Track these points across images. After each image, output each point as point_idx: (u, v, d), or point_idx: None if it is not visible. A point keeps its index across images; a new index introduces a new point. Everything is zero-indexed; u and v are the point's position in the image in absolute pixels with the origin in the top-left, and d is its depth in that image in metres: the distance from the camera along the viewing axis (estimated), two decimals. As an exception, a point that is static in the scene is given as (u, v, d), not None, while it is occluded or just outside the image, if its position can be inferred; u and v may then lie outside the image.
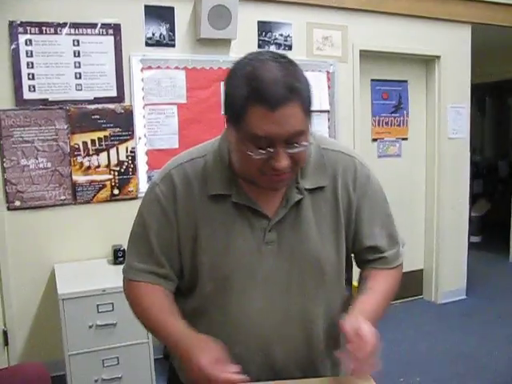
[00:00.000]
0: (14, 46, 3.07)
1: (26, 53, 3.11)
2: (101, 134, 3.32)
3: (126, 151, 3.39)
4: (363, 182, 1.29)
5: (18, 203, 3.17)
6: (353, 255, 1.38)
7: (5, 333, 3.25)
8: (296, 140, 1.09)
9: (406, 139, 4.44)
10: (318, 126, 3.86)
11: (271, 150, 1.08)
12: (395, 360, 3.52)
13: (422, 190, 4.57)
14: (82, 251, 3.36)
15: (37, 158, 3.18)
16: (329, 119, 3.95)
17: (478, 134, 7.11)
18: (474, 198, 6.10)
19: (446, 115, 4.40)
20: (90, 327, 2.83)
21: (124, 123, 3.37)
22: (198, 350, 1.14)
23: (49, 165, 3.21)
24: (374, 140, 4.30)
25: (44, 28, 3.13)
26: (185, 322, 1.23)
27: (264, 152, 1.08)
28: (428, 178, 4.54)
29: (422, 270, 4.63)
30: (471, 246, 4.93)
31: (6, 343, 3.27)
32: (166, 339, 1.25)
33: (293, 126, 1.06)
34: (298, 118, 1.06)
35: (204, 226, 1.22)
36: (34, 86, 3.14)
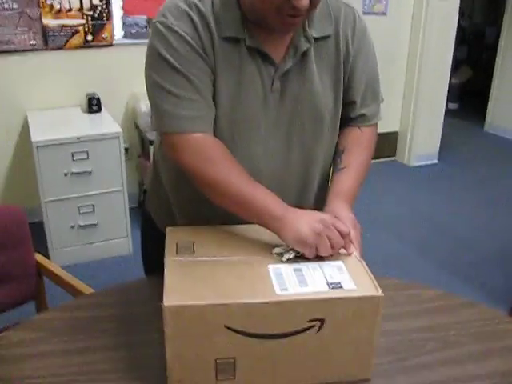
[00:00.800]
0: None
1: None
2: (71, -26, 3.11)
3: (99, -6, 3.20)
4: (360, 36, 1.27)
5: (-16, 46, 3.03)
6: None
7: (-20, 179, 3.28)
8: None
9: (393, -3, 4.26)
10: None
11: None
12: (364, 217, 3.64)
13: (405, 52, 4.48)
14: (55, 99, 3.28)
15: (2, -3, 2.98)
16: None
17: (468, -3, 6.86)
18: (456, 64, 6.01)
19: (437, -28, 4.19)
20: (66, 175, 2.86)
21: (96, -37, 3.14)
22: (298, 222, 1.08)
23: (15, 5, 3.02)
24: (361, -5, 4.12)
25: None
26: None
27: None
28: (412, 40, 4.43)
29: (396, 133, 4.68)
30: (448, 112, 4.95)
31: (-18, 189, 3.30)
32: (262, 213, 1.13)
33: None
34: None
35: (221, 69, 1.16)
36: None
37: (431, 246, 3.37)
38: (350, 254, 1.09)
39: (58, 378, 1.05)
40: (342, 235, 1.07)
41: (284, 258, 1.06)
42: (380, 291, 0.95)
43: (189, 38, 1.13)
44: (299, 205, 1.28)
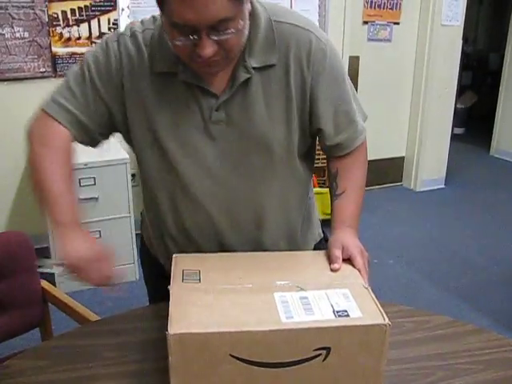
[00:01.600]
0: None
1: None
2: (81, 4, 3.16)
3: (108, 23, 3.25)
4: (319, 59, 1.18)
5: (-6, 74, 3.08)
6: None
7: (-13, 205, 3.29)
8: (221, 27, 1.00)
9: (397, 23, 4.29)
10: (307, 4, 3.71)
11: (195, 37, 1.00)
12: (370, 243, 3.63)
13: (410, 78, 4.51)
14: (63, 126, 3.30)
15: (12, 27, 3.03)
16: (319, -2, 3.79)
17: (472, 24, 6.92)
18: (461, 90, 6.04)
19: (441, 0, 4.23)
20: (73, 201, 2.86)
21: (105, -7, 3.20)
22: (72, 242, 1.14)
23: (26, 35, 3.08)
24: (365, 23, 4.16)
25: None
26: (74, 204, 1.20)
27: (189, 39, 1.01)
28: (417, 66, 4.46)
29: (403, 158, 4.67)
30: (454, 137, 4.96)
31: (-11, 216, 3.32)
32: (46, 208, 1.20)
33: (214, 13, 0.96)
34: (219, 5, 0.96)
35: (154, 105, 1.17)
36: None
37: (439, 272, 3.34)
38: None
39: (61, 407, 1.04)
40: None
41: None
42: (387, 319, 0.94)
43: (113, 56, 1.17)
44: (260, 241, 1.29)
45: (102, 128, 1.24)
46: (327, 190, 1.36)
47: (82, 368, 1.14)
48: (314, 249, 1.42)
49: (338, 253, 1.15)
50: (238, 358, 0.92)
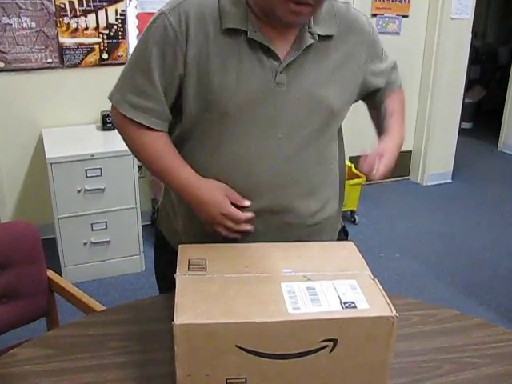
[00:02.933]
0: None
1: None
2: (88, -6, 3.15)
3: (116, 13, 3.23)
4: (368, 33, 1.33)
5: (1, 64, 3.07)
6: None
7: (-5, 195, 3.30)
8: None
9: (406, 16, 4.26)
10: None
11: None
12: (377, 237, 3.64)
13: (418, 72, 4.48)
14: (71, 116, 3.32)
15: (19, 17, 3.03)
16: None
17: (481, 17, 6.86)
18: (469, 84, 6.00)
19: (450, -8, 4.20)
20: (79, 192, 2.87)
21: (112, -17, 3.19)
22: (210, 191, 1.22)
23: (33, 25, 3.07)
24: (374, 15, 4.13)
25: None
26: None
27: None
28: (425, 60, 4.43)
29: (410, 152, 4.66)
30: (462, 131, 4.93)
31: (-3, 206, 3.32)
32: (172, 183, 1.28)
33: None
34: None
35: (216, 62, 1.18)
36: None
37: (445, 266, 3.33)
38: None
39: (67, 396, 1.04)
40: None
41: None
42: (394, 311, 0.94)
43: (172, 31, 1.17)
44: (302, 209, 1.31)
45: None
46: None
47: (88, 357, 1.14)
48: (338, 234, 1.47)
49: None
50: (244, 349, 0.92)
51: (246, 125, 1.22)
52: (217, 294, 0.99)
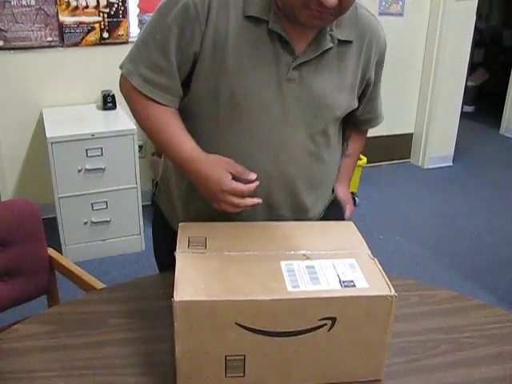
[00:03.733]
0: None
1: None
2: (88, -28, 3.12)
3: (116, -8, 3.21)
4: (383, 50, 1.34)
5: (1, 43, 3.05)
6: None
7: (-5, 175, 3.30)
8: None
9: (410, -3, 4.23)
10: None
11: None
12: (377, 219, 3.64)
13: (421, 53, 4.44)
14: (71, 96, 3.30)
15: (19, -6, 3.00)
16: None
17: (486, -1, 6.79)
18: (472, 67, 5.95)
19: (455, -27, 4.15)
20: (79, 171, 2.87)
21: (113, -39, 3.15)
22: (211, 166, 1.19)
23: (32, 2, 3.04)
24: (377, -4, 4.10)
25: None
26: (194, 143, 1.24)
27: None
28: (428, 41, 4.39)
29: (411, 134, 4.63)
30: (463, 115, 4.90)
31: (-3, 185, 3.32)
32: (174, 155, 1.24)
33: None
34: None
35: (233, 45, 1.17)
36: None
37: (445, 249, 3.34)
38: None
39: (66, 371, 1.05)
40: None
41: None
42: (393, 291, 0.94)
43: (193, 9, 1.15)
44: (312, 197, 1.35)
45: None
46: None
47: (88, 334, 1.15)
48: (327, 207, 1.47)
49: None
50: (243, 327, 0.93)
51: (253, 113, 1.21)
52: (216, 271, 0.99)
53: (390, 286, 0.96)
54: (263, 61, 1.18)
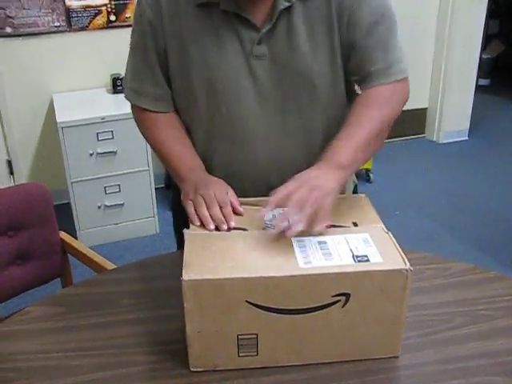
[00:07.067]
0: None
1: None
2: (94, -46, 3.08)
3: (122, -26, 3.17)
4: None
5: (9, 30, 3.04)
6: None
7: (9, 162, 3.31)
8: None
9: (421, -33, 4.13)
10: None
11: None
12: (392, 195, 3.60)
13: (433, 25, 4.35)
14: (80, 80, 3.28)
15: (25, -21, 2.98)
16: None
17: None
18: (487, 39, 5.83)
19: None
20: (91, 155, 2.86)
21: None
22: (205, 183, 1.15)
23: (39, -13, 3.02)
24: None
25: None
26: (197, 156, 1.25)
27: None
28: (441, 13, 4.29)
29: (425, 109, 4.56)
30: (478, 88, 4.81)
31: (12, 172, 3.33)
32: (173, 173, 1.26)
33: None
34: None
35: (192, 39, 1.15)
36: None
37: (460, 223, 3.30)
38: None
39: (77, 352, 1.04)
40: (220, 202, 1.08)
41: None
42: (408, 264, 0.91)
43: (149, 11, 1.17)
44: None
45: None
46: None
47: (99, 315, 1.14)
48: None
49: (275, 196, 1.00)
50: (254, 305, 0.91)
51: (230, 101, 1.18)
52: (226, 249, 0.97)
53: (405, 259, 0.93)
54: (226, 45, 1.14)
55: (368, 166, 3.72)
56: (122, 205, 3.03)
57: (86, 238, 2.98)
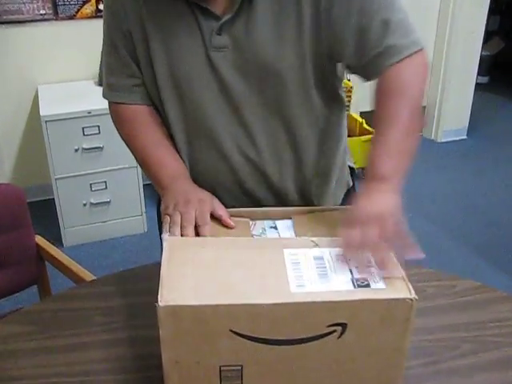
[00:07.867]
0: None
1: None
2: None
3: (111, -39, 3.04)
4: None
5: (-8, 17, 2.92)
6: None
7: (-9, 155, 3.19)
8: None
9: (423, -39, 4.03)
10: None
11: None
12: (388, 196, 3.51)
13: (434, 22, 4.26)
14: (67, 72, 3.16)
15: (8, -35, 2.85)
16: None
17: (501, -36, 6.53)
18: (487, 35, 5.73)
19: None
20: (76, 151, 2.75)
21: None
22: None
23: (23, -28, 2.90)
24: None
25: None
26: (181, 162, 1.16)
27: None
28: (442, 8, 4.20)
29: (424, 107, 4.48)
30: (478, 86, 4.71)
31: (-6, 165, 3.22)
32: (155, 179, 1.15)
33: None
34: None
35: (153, 32, 1.07)
36: None
37: (459, 226, 3.21)
38: None
39: (43, 379, 0.94)
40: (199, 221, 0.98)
41: None
42: (413, 293, 0.81)
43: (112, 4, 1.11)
44: (283, 186, 1.19)
45: None
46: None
47: (72, 335, 1.04)
48: (343, 199, 1.32)
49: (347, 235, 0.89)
50: (239, 334, 0.80)
51: (193, 96, 1.09)
52: (210, 263, 0.86)
53: (410, 286, 0.82)
54: (187, 37, 1.05)
55: (365, 164, 3.63)
56: (109, 202, 2.92)
57: (72, 236, 2.87)
